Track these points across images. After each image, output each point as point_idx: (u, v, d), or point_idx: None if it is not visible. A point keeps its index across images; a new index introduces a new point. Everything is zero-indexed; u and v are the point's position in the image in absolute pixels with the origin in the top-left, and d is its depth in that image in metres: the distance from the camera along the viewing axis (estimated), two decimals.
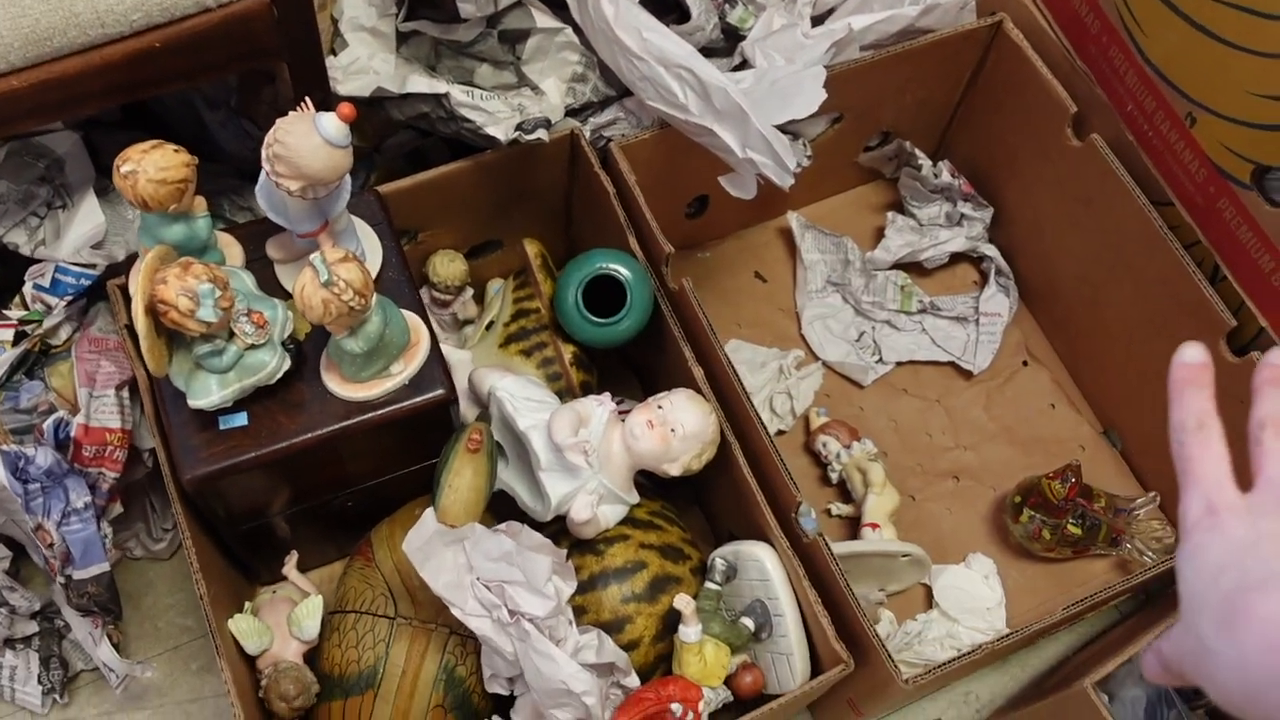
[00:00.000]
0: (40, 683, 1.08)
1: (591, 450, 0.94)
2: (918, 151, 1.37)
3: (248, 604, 1.00)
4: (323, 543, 1.13)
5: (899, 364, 1.33)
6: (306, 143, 0.82)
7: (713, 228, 1.38)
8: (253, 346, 0.87)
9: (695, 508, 1.22)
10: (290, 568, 1.05)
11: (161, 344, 0.85)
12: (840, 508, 1.23)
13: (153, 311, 0.81)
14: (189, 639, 1.16)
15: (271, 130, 0.84)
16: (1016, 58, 1.24)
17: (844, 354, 1.32)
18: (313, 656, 1.00)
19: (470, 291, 1.24)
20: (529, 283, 1.16)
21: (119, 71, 0.91)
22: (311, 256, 0.82)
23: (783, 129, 1.05)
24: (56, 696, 1.09)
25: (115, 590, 1.02)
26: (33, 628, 1.09)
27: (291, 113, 0.85)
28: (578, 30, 1.18)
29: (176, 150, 0.85)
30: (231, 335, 0.86)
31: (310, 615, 0.97)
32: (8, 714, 1.11)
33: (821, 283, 1.37)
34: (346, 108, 0.82)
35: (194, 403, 0.87)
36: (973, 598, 1.16)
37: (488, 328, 1.16)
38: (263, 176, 0.90)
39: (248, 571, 1.13)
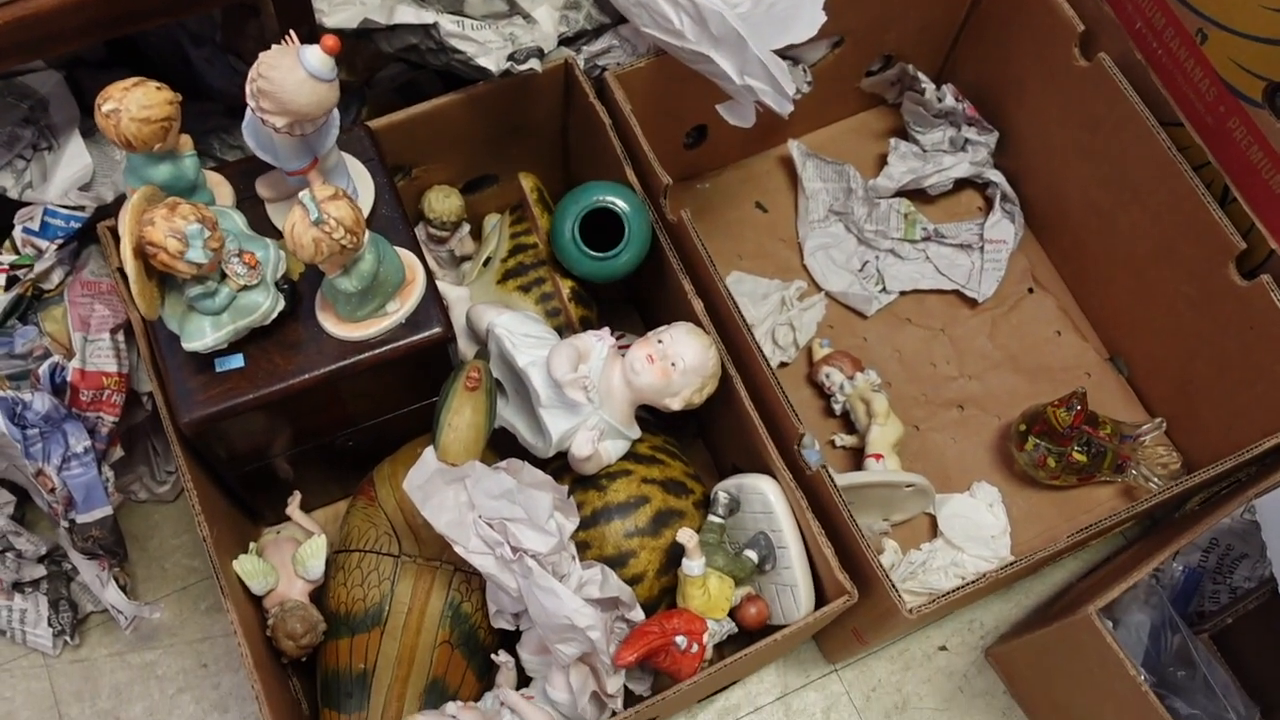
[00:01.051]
0: (50, 625, 1.09)
1: (591, 386, 0.93)
2: (921, 75, 1.34)
3: (252, 544, 1.01)
4: (325, 483, 1.13)
5: (903, 293, 1.32)
6: (291, 77, 0.80)
7: (712, 158, 1.36)
8: (246, 287, 0.86)
9: (698, 442, 1.22)
10: (293, 508, 1.05)
11: (153, 286, 0.84)
12: (844, 439, 1.22)
13: (142, 254, 0.80)
14: (196, 580, 1.16)
15: (255, 65, 0.82)
16: None
17: (847, 284, 1.31)
18: (319, 595, 1.00)
19: (467, 227, 1.22)
20: (525, 218, 1.14)
21: (97, 7, 0.89)
22: (301, 195, 0.81)
23: (782, 54, 1.02)
24: (67, 638, 1.10)
25: (119, 533, 1.03)
26: (40, 571, 1.09)
27: (275, 46, 0.82)
28: None
29: (159, 87, 0.83)
30: (224, 276, 0.85)
31: (315, 555, 0.98)
32: (20, 655, 1.12)
33: (824, 212, 1.35)
34: (330, 40, 0.80)
35: (188, 345, 0.86)
36: (977, 526, 1.16)
37: (485, 264, 1.15)
38: (249, 114, 0.88)
39: (251, 512, 1.13)
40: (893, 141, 1.36)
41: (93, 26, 0.91)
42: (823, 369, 1.23)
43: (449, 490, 0.87)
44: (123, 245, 0.79)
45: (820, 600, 0.97)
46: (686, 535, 0.92)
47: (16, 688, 1.11)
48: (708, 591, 0.93)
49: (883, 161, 1.36)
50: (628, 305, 1.28)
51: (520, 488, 0.85)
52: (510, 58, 1.07)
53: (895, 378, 1.27)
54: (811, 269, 1.32)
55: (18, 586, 1.08)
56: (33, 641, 1.10)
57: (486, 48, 1.07)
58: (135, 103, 0.81)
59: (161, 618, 1.13)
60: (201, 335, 0.86)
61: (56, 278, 1.03)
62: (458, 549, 0.87)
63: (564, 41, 1.15)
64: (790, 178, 1.38)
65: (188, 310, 0.86)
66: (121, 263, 0.80)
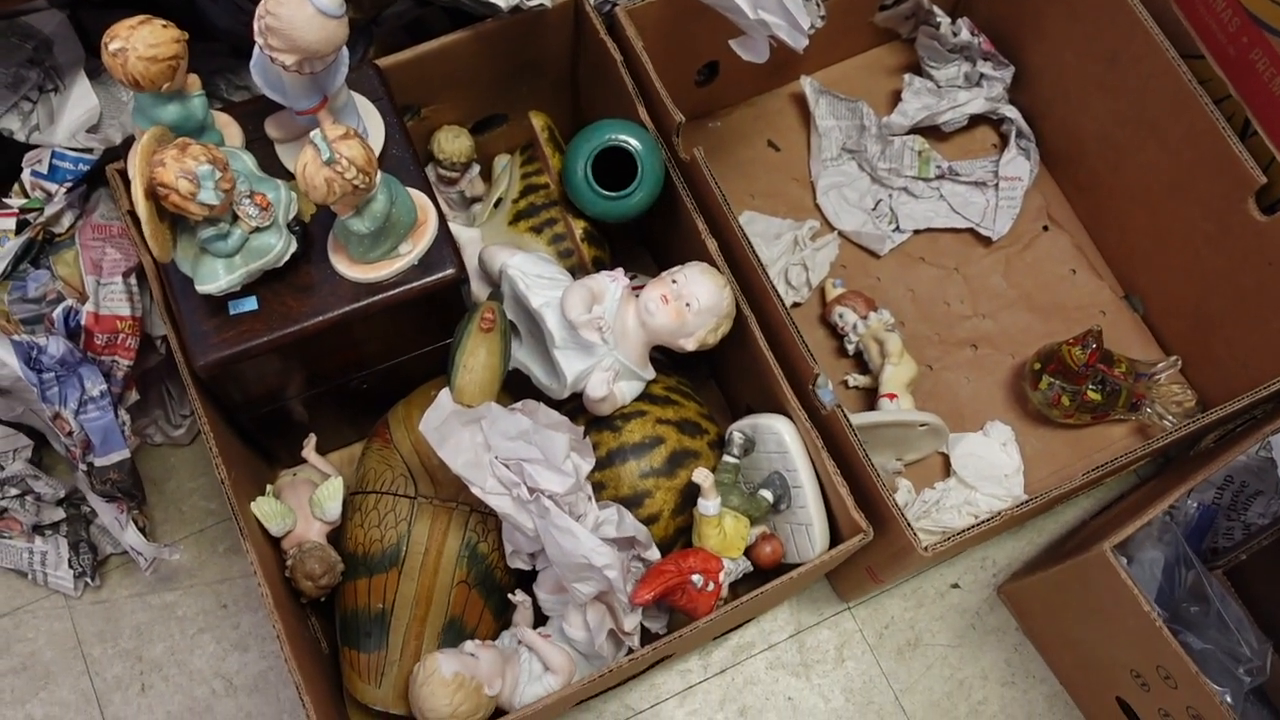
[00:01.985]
0: (71, 567, 1.10)
1: (606, 326, 0.93)
2: (936, 9, 1.31)
3: (269, 486, 1.01)
4: (340, 425, 1.13)
5: (916, 232, 1.31)
6: (299, 13, 0.78)
7: (724, 95, 1.34)
8: (258, 229, 0.85)
9: (710, 382, 1.22)
10: (309, 450, 1.05)
11: (165, 229, 0.83)
12: (857, 379, 1.22)
13: (153, 195, 0.79)
14: (214, 522, 1.17)
15: (262, 2, 0.80)
16: None
17: (860, 223, 1.30)
18: (336, 536, 1.01)
19: (477, 168, 1.21)
20: (536, 157, 1.13)
21: None
22: (312, 134, 0.80)
23: None
24: (88, 580, 1.12)
25: (137, 475, 1.03)
26: (59, 514, 1.10)
27: None
28: None
29: (165, 25, 0.82)
30: (235, 218, 0.84)
31: (332, 497, 0.98)
32: (42, 597, 1.13)
33: (836, 150, 1.33)
34: None
35: (201, 288, 0.86)
36: (991, 465, 1.16)
37: (496, 205, 1.14)
38: (257, 52, 0.87)
39: (267, 455, 1.13)
40: (907, 77, 1.34)
41: None
42: (836, 309, 1.22)
43: (465, 432, 0.87)
44: (134, 187, 0.78)
45: (835, 539, 0.98)
46: (702, 475, 0.92)
47: (40, 628, 1.12)
48: (723, 530, 0.93)
49: (897, 98, 1.34)
50: (640, 246, 1.27)
51: (536, 428, 0.86)
52: None
53: (909, 317, 1.27)
54: (824, 208, 1.31)
55: (38, 529, 1.09)
56: (54, 583, 1.11)
57: None
58: (142, 41, 0.80)
59: (180, 559, 1.14)
60: (215, 278, 0.85)
61: (67, 221, 1.02)
62: (474, 490, 0.88)
63: None
64: (803, 116, 1.36)
65: (200, 253, 0.85)
66: (133, 205, 0.79)
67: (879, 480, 0.91)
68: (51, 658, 1.11)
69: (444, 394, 0.89)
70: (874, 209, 1.31)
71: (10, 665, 1.11)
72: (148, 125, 0.85)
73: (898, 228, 1.30)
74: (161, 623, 1.13)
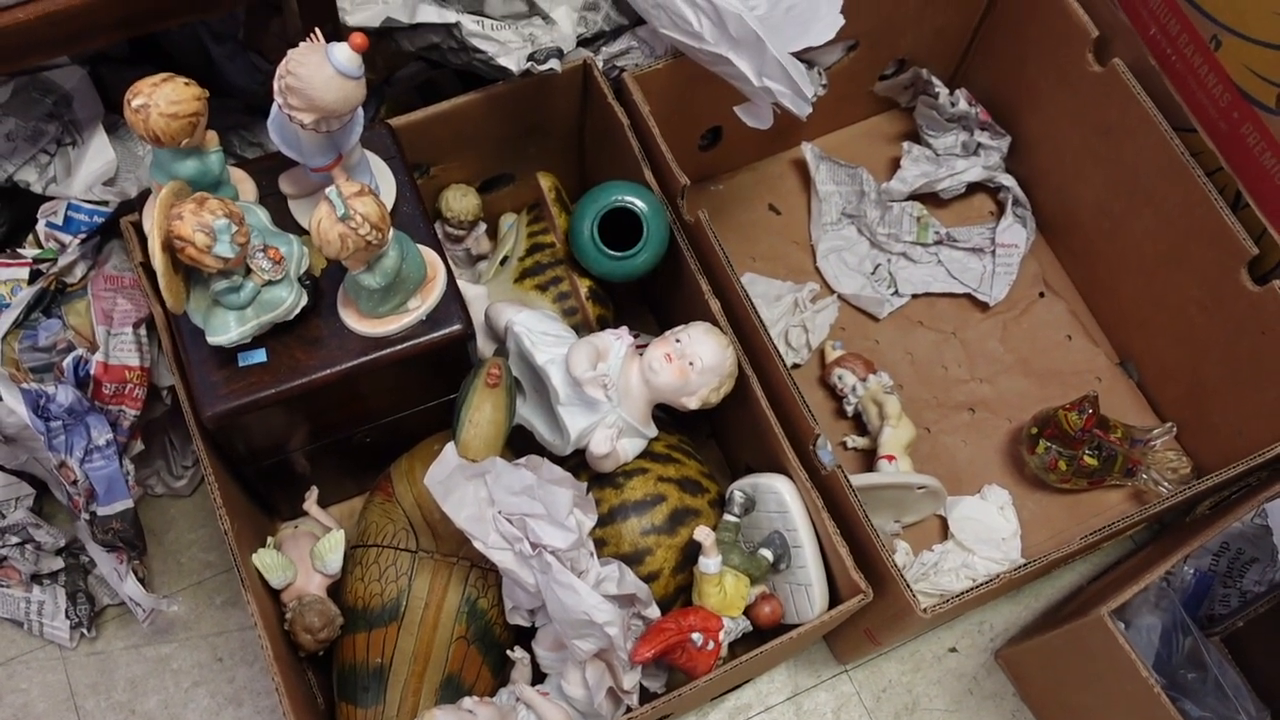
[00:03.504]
0: (68, 617, 1.10)
1: (610, 384, 0.94)
2: (935, 79, 1.35)
3: (270, 538, 1.01)
4: (342, 478, 1.14)
5: (914, 296, 1.32)
6: (319, 74, 0.80)
7: (726, 159, 1.37)
8: (270, 283, 0.86)
9: (710, 441, 1.22)
10: (311, 503, 1.06)
11: (179, 281, 0.84)
12: (856, 440, 1.23)
13: (169, 248, 0.81)
14: (212, 574, 1.17)
15: (283, 62, 0.82)
16: None
17: (859, 286, 1.32)
18: (336, 590, 1.01)
19: (484, 226, 1.23)
20: (543, 216, 1.15)
21: (128, 4, 0.90)
22: (327, 190, 0.81)
23: (797, 57, 1.03)
24: (84, 630, 1.11)
25: (140, 526, 1.03)
26: (58, 564, 1.10)
27: (302, 44, 0.83)
28: None
29: (187, 83, 0.84)
30: (248, 272, 0.85)
31: (333, 549, 0.98)
32: (37, 647, 1.12)
33: (836, 215, 1.35)
34: (358, 37, 0.81)
35: (213, 339, 0.87)
36: (988, 529, 1.17)
37: (502, 263, 1.16)
38: (275, 110, 0.89)
39: (267, 507, 1.13)
40: (905, 145, 1.37)
41: (123, 23, 0.92)
42: (835, 371, 1.23)
43: (469, 486, 0.88)
44: (151, 239, 0.80)
45: (834, 600, 0.98)
46: (704, 533, 0.92)
47: (33, 679, 1.12)
48: (724, 589, 0.93)
49: (895, 165, 1.37)
50: (641, 305, 1.28)
51: (540, 483, 0.86)
52: (530, 58, 1.08)
53: (907, 380, 1.28)
54: (824, 271, 1.33)
55: (36, 578, 1.09)
56: (50, 634, 1.10)
57: (507, 48, 1.08)
58: (164, 98, 0.82)
59: (177, 611, 1.13)
60: (226, 330, 0.87)
61: (79, 271, 1.03)
62: (476, 544, 0.88)
63: (582, 42, 1.16)
64: (803, 180, 1.39)
65: (213, 305, 0.87)
66: (149, 256, 0.81)
67: (879, 541, 0.92)
68: (44, 710, 1.11)
69: (449, 448, 0.90)
70: (873, 273, 1.33)
71: (2, 717, 1.10)
72: (165, 180, 0.87)
73: (896, 292, 1.32)
74: (156, 675, 1.13)
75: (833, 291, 1.32)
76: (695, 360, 0.96)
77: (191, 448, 1.16)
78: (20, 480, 1.07)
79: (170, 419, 1.13)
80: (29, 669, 1.12)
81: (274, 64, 1.15)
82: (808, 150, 1.37)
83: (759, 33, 1.01)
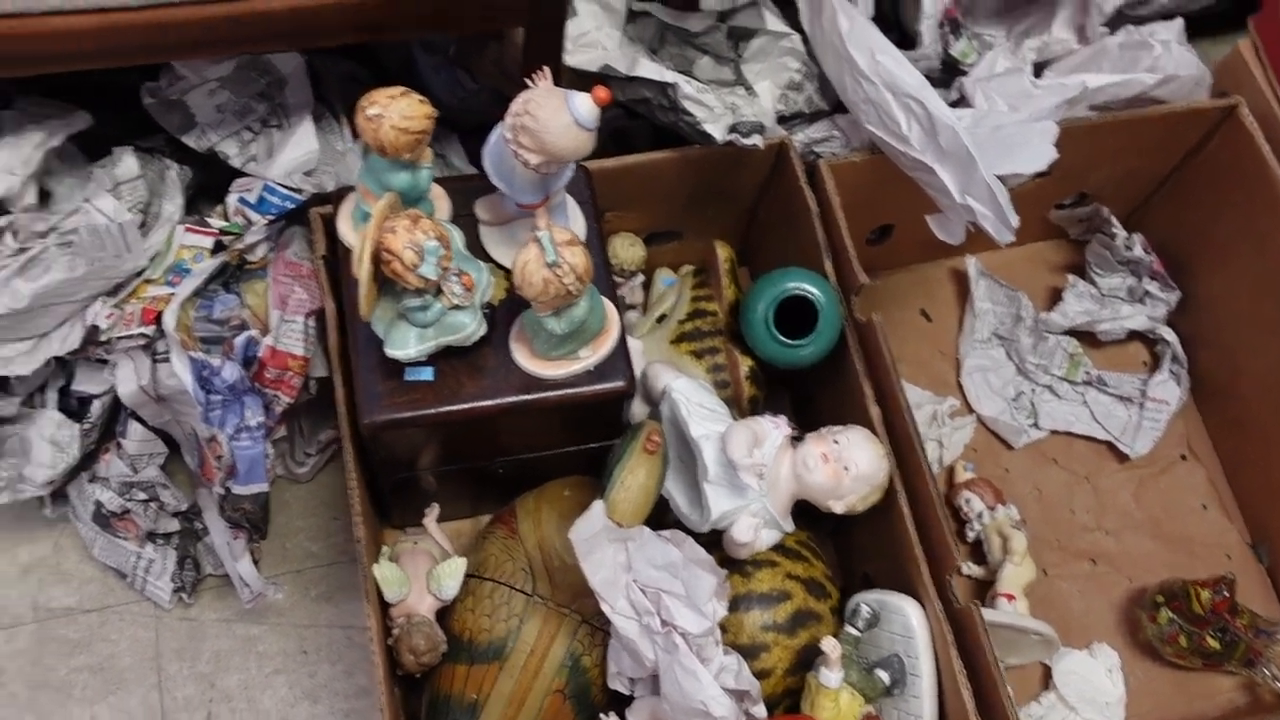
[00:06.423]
0: (173, 580, 1.10)
1: (765, 472, 0.93)
2: (1113, 218, 1.33)
3: (385, 548, 1.01)
4: (460, 499, 1.14)
5: (1054, 432, 1.30)
6: (556, 120, 0.81)
7: (889, 257, 1.35)
8: (456, 307, 0.87)
9: (829, 541, 1.20)
10: (431, 520, 1.06)
11: (375, 289, 0.85)
12: (971, 568, 1.20)
13: (376, 258, 0.81)
14: (313, 565, 1.17)
15: (521, 100, 0.83)
16: (1245, 144, 1.19)
17: (999, 411, 1.29)
18: (443, 614, 1.00)
19: (641, 277, 1.23)
20: (710, 283, 1.14)
21: (370, 11, 0.92)
22: (538, 234, 0.82)
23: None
24: (184, 595, 1.12)
25: (268, 511, 1.04)
26: (174, 525, 1.11)
27: (541, 84, 0.84)
28: (804, 38, 1.16)
29: (421, 101, 0.85)
30: (439, 293, 0.86)
31: (452, 576, 0.98)
32: (134, 600, 1.13)
33: (988, 334, 1.33)
34: (603, 91, 0.81)
35: (390, 352, 0.88)
36: (1094, 688, 1.13)
37: (659, 320, 1.15)
38: (495, 138, 0.90)
39: (381, 513, 1.14)
40: (1070, 278, 1.35)
41: (359, 28, 0.94)
42: (964, 493, 1.21)
43: (610, 548, 0.87)
44: (362, 246, 0.80)
45: None
46: (831, 645, 0.90)
47: (124, 632, 1.12)
48: (839, 705, 0.91)
49: (1053, 293, 1.35)
50: (782, 387, 1.27)
51: (685, 562, 0.85)
52: (734, 129, 1.08)
53: (1031, 516, 1.25)
54: (966, 388, 1.31)
55: (151, 536, 1.10)
56: (151, 592, 1.11)
57: (714, 114, 1.08)
58: (399, 112, 0.83)
59: (280, 598, 1.13)
60: (405, 345, 0.87)
61: (261, 251, 1.05)
62: (604, 607, 0.87)
63: (779, 120, 1.16)
64: (959, 291, 1.37)
65: (397, 318, 0.87)
66: (357, 262, 0.81)
67: (1005, 690, 0.89)
68: (128, 664, 1.11)
69: (598, 506, 0.89)
70: (1015, 400, 1.31)
71: (88, 662, 1.11)
72: (375, 187, 0.88)
73: (1036, 424, 1.30)
74: (241, 654, 1.13)
75: (972, 410, 1.30)
76: (851, 465, 0.94)
77: (319, 437, 1.17)
78: (157, 438, 1.09)
79: (306, 406, 1.14)
80: (122, 620, 1.13)
81: (482, 86, 1.17)
82: (971, 264, 1.35)
83: (971, 149, 1.00)
